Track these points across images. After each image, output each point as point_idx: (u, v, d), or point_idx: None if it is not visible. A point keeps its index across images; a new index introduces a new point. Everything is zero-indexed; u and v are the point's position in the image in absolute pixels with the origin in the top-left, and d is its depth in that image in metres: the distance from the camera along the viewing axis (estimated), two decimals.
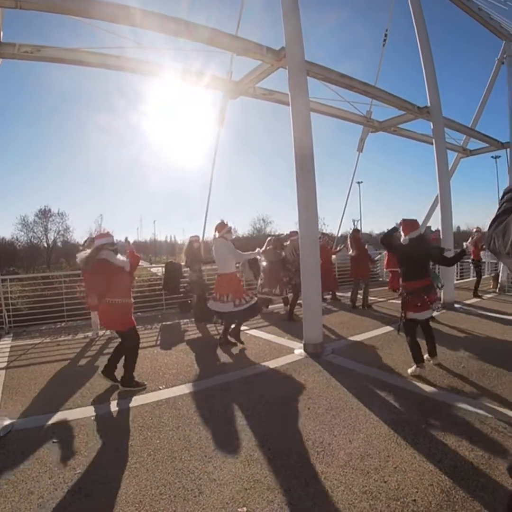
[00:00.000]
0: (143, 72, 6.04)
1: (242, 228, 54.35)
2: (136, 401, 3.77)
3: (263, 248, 7.75)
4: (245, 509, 2.19)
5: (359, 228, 8.99)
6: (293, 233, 7.57)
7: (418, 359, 4.30)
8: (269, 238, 8.18)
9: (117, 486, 2.44)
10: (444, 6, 9.69)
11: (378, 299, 9.22)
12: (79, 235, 40.54)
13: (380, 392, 3.83)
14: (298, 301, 7.12)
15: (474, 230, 9.69)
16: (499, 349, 5.12)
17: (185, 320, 7.62)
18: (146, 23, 4.65)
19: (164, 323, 7.44)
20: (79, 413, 3.54)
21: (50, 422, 3.36)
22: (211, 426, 3.23)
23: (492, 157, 11.03)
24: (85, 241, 6.41)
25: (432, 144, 8.76)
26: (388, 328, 6.34)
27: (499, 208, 1.10)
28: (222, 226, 5.57)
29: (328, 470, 2.56)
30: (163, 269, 8.29)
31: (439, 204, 8.06)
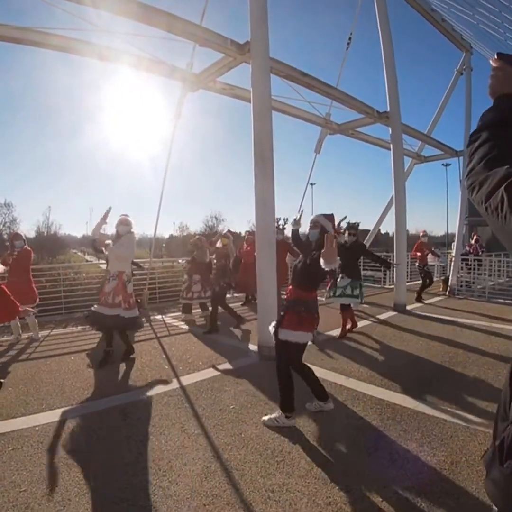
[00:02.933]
0: (97, 56, 5.61)
1: (194, 225, 53.53)
2: (84, 409, 3.50)
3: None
4: None
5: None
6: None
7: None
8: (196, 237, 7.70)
9: (66, 504, 2.23)
10: (409, 15, 9.99)
11: None
12: (26, 228, 38.23)
13: (338, 397, 3.81)
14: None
15: (421, 233, 10.07)
16: (452, 352, 5.28)
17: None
18: (98, 2, 4.30)
19: None
20: (21, 423, 3.23)
21: None
22: (164, 436, 3.04)
23: (443, 164, 11.59)
24: None
25: (387, 148, 9.03)
26: (335, 333, 6.38)
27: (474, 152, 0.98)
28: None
29: (289, 481, 2.48)
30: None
31: (393, 208, 8.31)
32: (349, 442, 2.96)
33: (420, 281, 9.75)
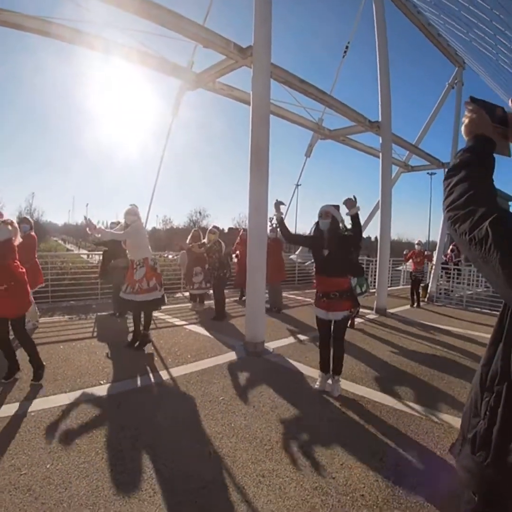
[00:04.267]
0: (98, 49, 5.63)
1: (178, 219, 53.22)
2: (78, 396, 3.58)
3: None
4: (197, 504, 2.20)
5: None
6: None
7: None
8: (192, 231, 8.13)
9: (67, 487, 2.32)
10: (406, 28, 10.29)
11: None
12: (8, 213, 37.23)
13: (321, 393, 4.01)
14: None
15: (416, 242, 10.49)
16: (430, 355, 5.58)
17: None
18: None
19: (99, 313, 7.07)
20: (18, 408, 3.29)
21: None
22: (157, 424, 3.17)
23: (427, 173, 11.92)
24: None
25: (376, 156, 9.31)
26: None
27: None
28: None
29: (278, 467, 2.65)
30: (101, 256, 7.88)
31: (378, 213, 8.59)
32: (333, 435, 3.15)
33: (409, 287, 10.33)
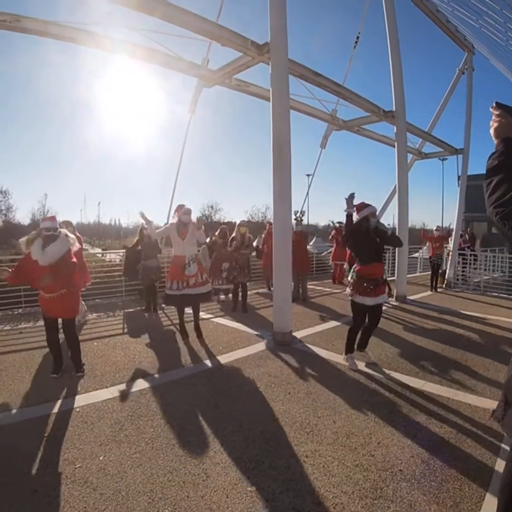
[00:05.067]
0: (110, 50, 5.77)
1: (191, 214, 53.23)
2: (119, 390, 3.75)
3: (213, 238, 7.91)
4: (254, 488, 2.35)
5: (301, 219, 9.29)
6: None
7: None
8: (220, 228, 8.27)
9: (123, 476, 2.45)
10: (415, 15, 10.19)
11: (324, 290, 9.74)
12: (21, 215, 37.97)
13: (352, 377, 4.17)
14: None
15: (435, 228, 10.52)
16: (452, 339, 5.66)
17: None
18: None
19: (126, 310, 7.30)
20: (61, 405, 3.45)
21: (32, 415, 3.25)
22: (200, 412, 3.33)
23: (439, 159, 11.83)
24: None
25: (390, 145, 9.34)
26: (345, 320, 6.70)
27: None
28: (178, 208, 5.50)
29: (320, 448, 2.80)
30: (123, 255, 8.11)
31: (394, 201, 8.64)
32: (366, 416, 3.29)
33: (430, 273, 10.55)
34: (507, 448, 2.69)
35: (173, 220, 5.50)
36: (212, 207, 50.91)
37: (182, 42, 5.67)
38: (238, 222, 8.07)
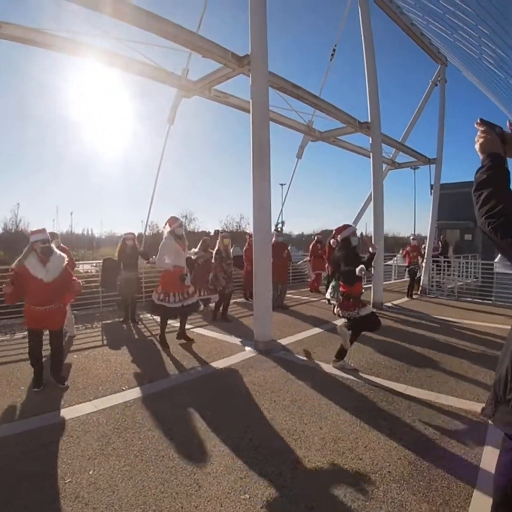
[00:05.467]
0: (88, 57, 5.72)
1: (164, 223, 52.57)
2: (103, 403, 3.68)
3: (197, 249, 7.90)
4: (247, 496, 2.35)
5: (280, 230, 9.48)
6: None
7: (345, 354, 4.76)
8: (203, 239, 8.28)
9: (114, 490, 2.41)
10: (390, 28, 10.58)
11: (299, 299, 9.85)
12: None
13: (334, 384, 4.23)
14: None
15: (412, 237, 10.86)
16: (430, 344, 5.84)
17: None
18: (107, 9, 4.48)
19: (104, 322, 7.16)
20: (45, 419, 3.36)
21: (16, 430, 3.15)
22: (188, 423, 3.30)
23: (411, 168, 12.22)
24: None
25: (365, 156, 9.59)
26: (327, 326, 6.86)
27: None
28: (172, 221, 5.54)
29: (309, 454, 2.83)
30: (100, 266, 7.96)
31: (372, 211, 8.85)
32: (351, 421, 3.35)
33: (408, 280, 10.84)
34: (492, 447, 2.81)
35: (166, 231, 5.53)
36: (186, 216, 50.64)
37: (163, 52, 5.70)
38: (212, 232, 8.11)
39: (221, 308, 7.43)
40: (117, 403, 3.68)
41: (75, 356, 5.14)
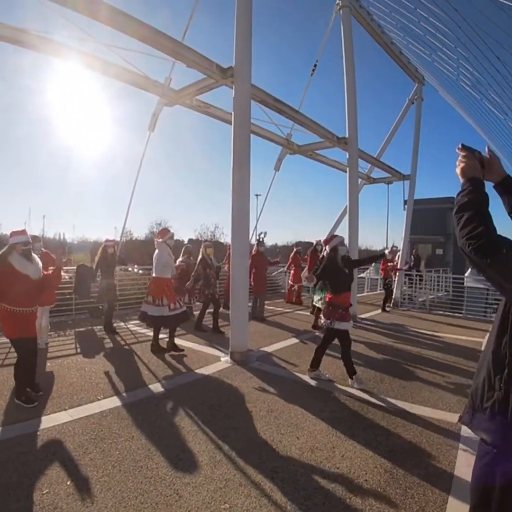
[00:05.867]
0: (77, 62, 5.68)
1: (138, 231, 51.60)
2: (78, 412, 3.60)
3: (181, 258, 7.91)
4: (227, 505, 2.36)
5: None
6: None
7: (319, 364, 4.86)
8: (185, 247, 8.32)
9: (93, 501, 2.37)
10: (370, 46, 10.91)
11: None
12: None
13: (310, 394, 4.29)
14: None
15: (388, 251, 11.04)
16: (403, 355, 6.02)
17: (98, 327, 7.28)
18: (99, 15, 4.49)
19: (77, 329, 7.00)
20: (20, 429, 3.26)
21: None
22: (165, 433, 3.28)
23: (385, 183, 12.57)
24: None
25: (341, 170, 9.83)
26: (301, 337, 6.97)
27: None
28: (165, 232, 5.82)
29: (286, 464, 2.86)
30: (74, 273, 7.78)
31: (348, 224, 9.06)
32: (328, 431, 3.42)
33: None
34: (465, 455, 2.93)
35: (157, 242, 5.70)
36: (160, 224, 49.95)
37: (144, 58, 5.71)
38: (186, 242, 8.14)
39: (203, 318, 7.42)
40: (93, 412, 3.61)
41: (48, 364, 5.00)
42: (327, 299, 4.83)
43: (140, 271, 11.34)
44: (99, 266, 7.02)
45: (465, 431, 3.33)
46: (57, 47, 5.29)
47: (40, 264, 3.93)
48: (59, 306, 7.88)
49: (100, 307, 8.39)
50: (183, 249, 8.10)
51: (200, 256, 7.33)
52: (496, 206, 1.51)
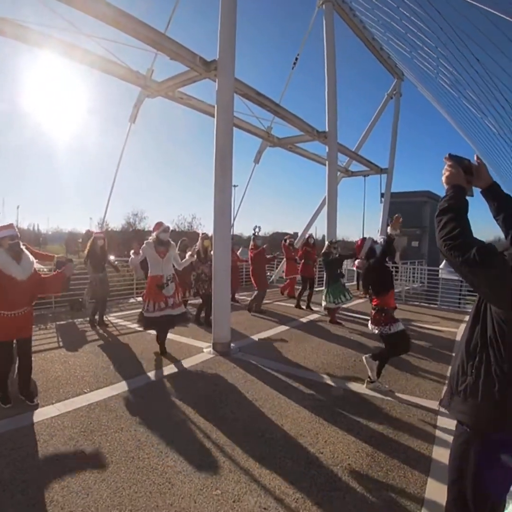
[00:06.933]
0: (57, 51, 5.55)
1: (114, 222, 50.59)
2: (66, 406, 3.63)
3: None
4: (219, 491, 2.47)
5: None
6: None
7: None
8: (181, 240, 8.23)
9: (88, 492, 2.43)
10: (351, 40, 11.01)
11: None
12: None
13: (292, 383, 4.43)
14: None
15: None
16: (378, 345, 6.14)
17: (79, 320, 7.24)
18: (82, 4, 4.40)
19: (58, 322, 6.93)
20: (9, 424, 3.27)
21: None
22: (154, 424, 3.35)
23: (363, 176, 12.82)
24: None
25: (320, 163, 9.97)
26: (283, 328, 7.14)
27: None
28: (157, 226, 5.35)
29: (273, 450, 2.99)
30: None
31: (326, 217, 9.23)
32: (311, 418, 3.57)
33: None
34: (442, 439, 3.14)
35: (150, 238, 5.30)
36: (137, 215, 49.09)
37: (126, 49, 5.63)
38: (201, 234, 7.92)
39: (202, 312, 7.41)
40: (81, 406, 3.64)
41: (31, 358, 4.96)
42: (374, 304, 4.41)
43: (116, 262, 11.23)
44: (88, 260, 6.89)
45: (441, 417, 3.55)
46: (35, 36, 5.16)
47: (32, 261, 3.73)
48: (39, 299, 7.77)
49: (80, 299, 8.34)
50: (179, 243, 7.94)
51: (196, 249, 7.32)
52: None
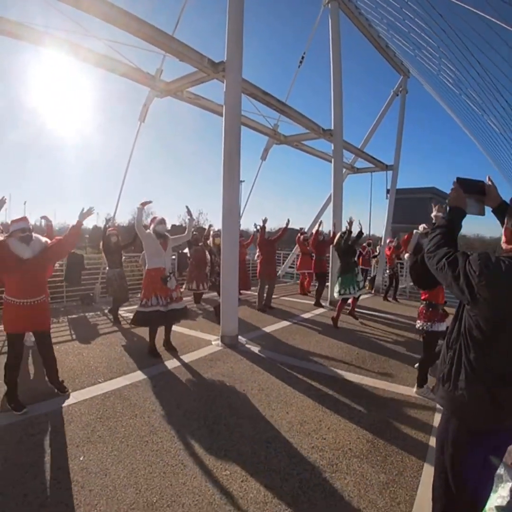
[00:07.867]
0: (69, 53, 5.73)
1: (121, 217, 51.00)
2: (82, 395, 3.83)
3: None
4: (228, 472, 2.66)
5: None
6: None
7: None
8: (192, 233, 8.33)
9: (106, 473, 2.61)
10: (357, 38, 11.05)
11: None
12: None
13: (297, 374, 4.62)
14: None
15: (388, 240, 11.10)
16: (383, 339, 6.44)
17: (90, 313, 7.47)
18: (90, 7, 4.54)
19: (70, 316, 7.16)
20: (26, 412, 3.43)
21: (5, 422, 3.25)
22: (165, 411, 3.54)
23: (368, 172, 12.84)
24: None
25: (326, 160, 10.07)
26: (287, 322, 7.30)
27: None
28: (152, 220, 5.33)
29: (278, 435, 3.18)
30: (64, 260, 7.88)
31: (331, 213, 9.34)
32: (315, 407, 3.75)
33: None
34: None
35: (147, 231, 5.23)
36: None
37: (136, 50, 5.76)
38: (169, 228, 8.07)
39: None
40: (96, 394, 3.84)
41: None
42: (423, 298, 4.34)
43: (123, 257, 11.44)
44: (106, 256, 6.99)
45: (440, 407, 3.68)
46: (41, 36, 5.32)
47: (45, 241, 3.72)
48: (50, 293, 7.99)
49: (91, 294, 8.57)
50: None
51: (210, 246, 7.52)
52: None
